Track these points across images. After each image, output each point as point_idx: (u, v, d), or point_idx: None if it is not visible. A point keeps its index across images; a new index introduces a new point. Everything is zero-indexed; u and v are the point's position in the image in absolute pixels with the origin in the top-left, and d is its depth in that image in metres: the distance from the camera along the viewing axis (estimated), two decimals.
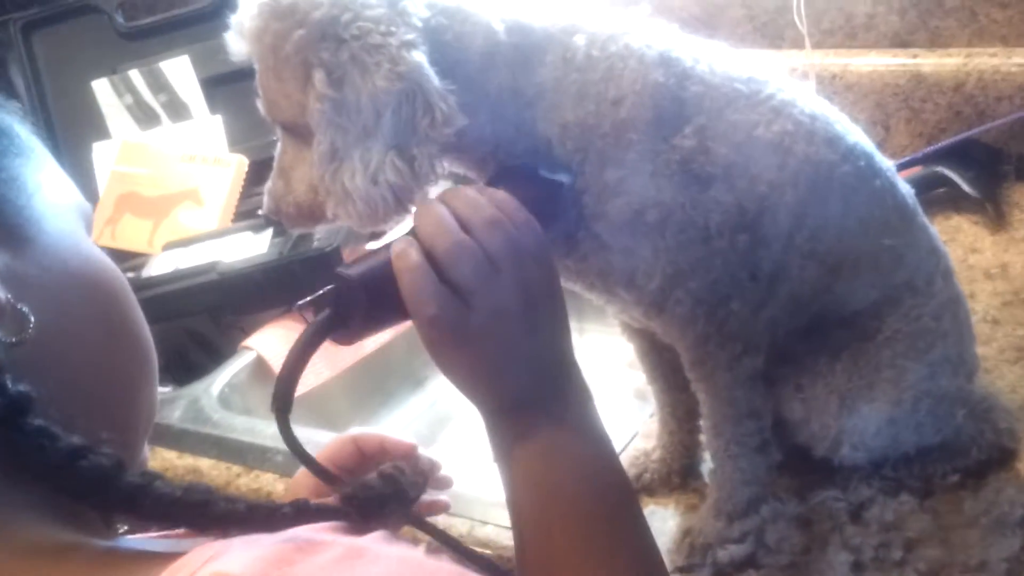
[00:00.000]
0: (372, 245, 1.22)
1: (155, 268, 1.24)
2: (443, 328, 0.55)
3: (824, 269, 0.73)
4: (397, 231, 1.23)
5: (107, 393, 0.49)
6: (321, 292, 0.56)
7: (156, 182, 1.41)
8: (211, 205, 1.37)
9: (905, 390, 0.75)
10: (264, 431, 1.00)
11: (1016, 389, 0.87)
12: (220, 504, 0.45)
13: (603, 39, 0.67)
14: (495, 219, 0.57)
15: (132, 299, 0.52)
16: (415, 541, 0.56)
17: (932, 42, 1.26)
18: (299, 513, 0.47)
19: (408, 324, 0.57)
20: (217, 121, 1.47)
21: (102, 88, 1.50)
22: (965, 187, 1.16)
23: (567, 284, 0.70)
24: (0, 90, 0.49)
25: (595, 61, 0.66)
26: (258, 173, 1.37)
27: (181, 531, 0.51)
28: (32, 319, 0.43)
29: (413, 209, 0.63)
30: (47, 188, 0.48)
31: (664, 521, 0.81)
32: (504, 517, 0.63)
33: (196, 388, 1.12)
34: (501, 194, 0.59)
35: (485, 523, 0.83)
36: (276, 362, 1.13)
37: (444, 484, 0.70)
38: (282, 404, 0.54)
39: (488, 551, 0.81)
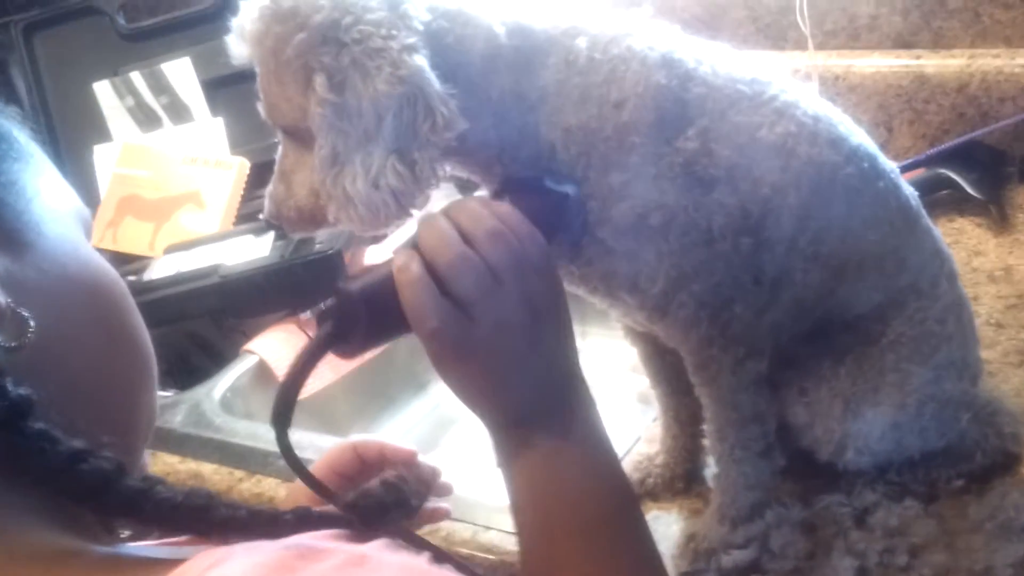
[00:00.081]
0: (373, 248, 1.23)
1: (156, 271, 1.24)
2: (445, 341, 0.55)
3: (828, 272, 0.73)
4: (398, 235, 1.23)
5: (107, 397, 0.49)
6: (322, 307, 0.56)
7: (157, 185, 1.41)
8: (213, 208, 1.37)
9: (909, 394, 0.75)
10: (266, 436, 1.00)
11: (1020, 393, 0.87)
12: (221, 510, 0.45)
13: (605, 41, 0.66)
14: (497, 231, 0.57)
15: (131, 304, 0.52)
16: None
17: (935, 43, 1.25)
18: (301, 520, 0.47)
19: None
20: (218, 123, 1.47)
21: (103, 90, 1.50)
22: (969, 189, 1.16)
23: (570, 289, 0.70)
24: (1, 92, 0.49)
25: (597, 64, 0.66)
26: (260, 176, 1.36)
27: (182, 538, 0.51)
28: (32, 323, 0.43)
29: (414, 213, 0.63)
30: (46, 193, 0.48)
31: (668, 526, 0.81)
32: (507, 522, 0.63)
33: (198, 392, 1.11)
34: (504, 207, 0.59)
35: (488, 528, 0.83)
36: (278, 366, 1.13)
37: (444, 491, 0.70)
38: (281, 419, 0.53)
39: (491, 556, 0.81)
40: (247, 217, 1.35)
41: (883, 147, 0.77)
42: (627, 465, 0.85)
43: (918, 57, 1.24)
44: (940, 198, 1.17)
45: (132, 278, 1.24)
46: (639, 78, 0.66)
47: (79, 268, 0.48)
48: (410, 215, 0.64)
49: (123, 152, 1.46)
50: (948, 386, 0.76)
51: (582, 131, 0.66)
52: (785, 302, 0.73)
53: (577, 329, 0.61)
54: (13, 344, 0.42)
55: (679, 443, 0.85)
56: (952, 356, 0.76)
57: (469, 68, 0.64)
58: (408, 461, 0.67)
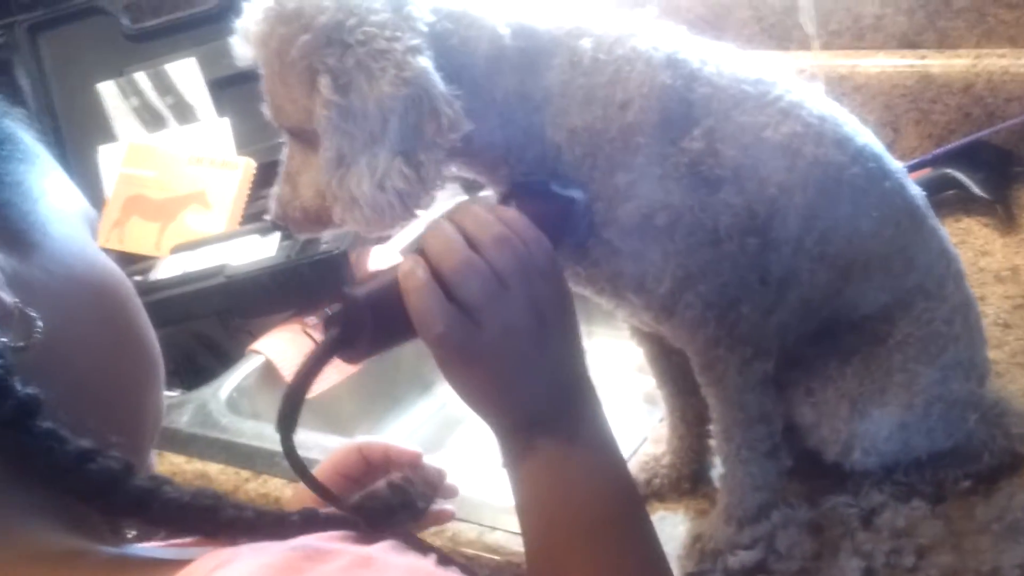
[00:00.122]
0: (378, 248, 1.23)
1: (162, 271, 1.24)
2: (451, 346, 0.55)
3: (834, 272, 0.72)
4: (403, 235, 1.23)
5: (114, 397, 0.49)
6: (329, 312, 0.56)
7: (163, 185, 1.41)
8: (219, 208, 1.37)
9: (916, 395, 0.74)
10: (272, 436, 1.00)
11: None
12: (228, 510, 0.45)
13: (610, 42, 0.66)
14: (503, 237, 0.57)
15: (138, 304, 0.52)
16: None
17: (940, 43, 1.25)
18: (307, 521, 0.47)
19: None
20: (224, 123, 1.47)
21: (108, 90, 1.51)
22: (975, 189, 1.15)
23: (576, 289, 0.70)
24: (6, 93, 0.49)
25: (602, 64, 0.66)
26: (266, 175, 1.37)
27: (188, 540, 0.51)
28: (39, 323, 0.44)
29: (420, 214, 0.63)
30: (52, 194, 0.48)
31: (674, 526, 0.81)
32: (513, 522, 0.63)
33: (204, 392, 1.11)
34: (511, 212, 0.59)
35: (494, 528, 0.83)
36: (284, 366, 1.13)
37: (450, 493, 0.70)
38: (287, 423, 0.53)
39: (497, 556, 0.81)
40: (253, 217, 1.35)
41: (889, 147, 0.77)
42: (633, 465, 0.85)
43: (923, 57, 1.24)
44: (946, 198, 1.17)
45: (138, 278, 1.24)
46: (644, 79, 0.66)
47: (86, 268, 0.48)
48: (415, 216, 0.64)
49: (129, 152, 1.46)
50: (955, 386, 0.76)
51: (587, 132, 0.66)
52: (792, 302, 0.72)
53: (583, 329, 0.61)
54: (20, 344, 0.43)
55: (685, 443, 0.85)
56: (959, 356, 0.76)
57: (473, 69, 0.64)
58: (413, 463, 0.67)
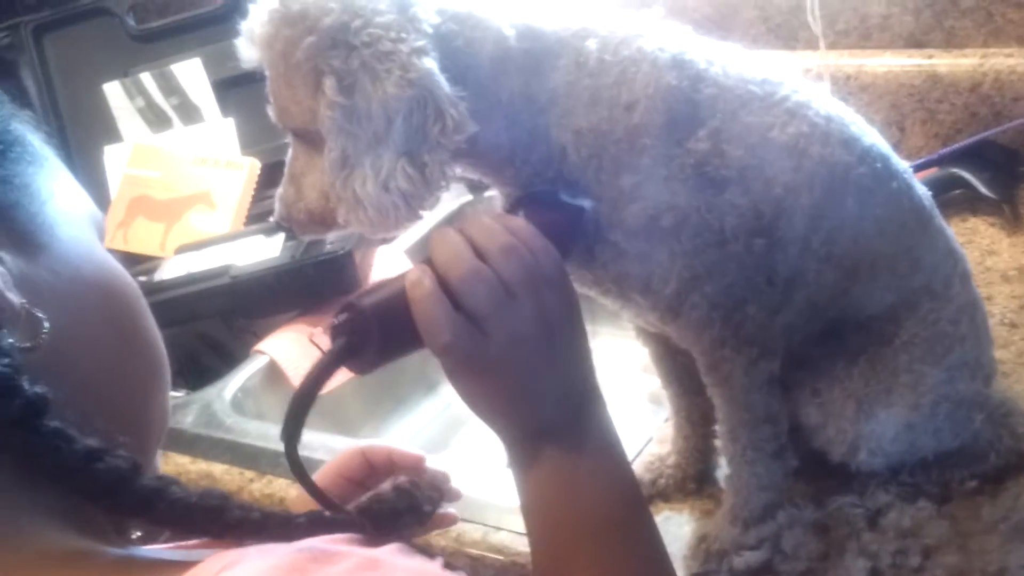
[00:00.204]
0: (383, 248, 1.23)
1: (167, 272, 1.24)
2: (458, 356, 0.55)
3: (841, 273, 0.72)
4: (408, 236, 1.23)
5: (120, 398, 0.49)
6: (335, 322, 0.56)
7: (168, 185, 1.42)
8: (223, 208, 1.37)
9: (923, 395, 0.74)
10: (277, 436, 0.99)
11: None
12: (234, 511, 0.45)
13: (615, 43, 0.66)
14: (510, 246, 0.57)
15: (144, 305, 0.52)
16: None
17: (947, 42, 1.25)
18: (314, 523, 0.48)
19: None
20: (229, 124, 1.47)
21: (113, 91, 1.51)
22: (981, 189, 1.15)
23: (581, 290, 0.70)
24: (11, 93, 0.50)
25: (607, 65, 0.66)
26: (270, 176, 1.37)
27: (193, 542, 0.51)
28: (46, 324, 0.44)
29: (424, 215, 0.63)
30: (60, 196, 0.49)
31: (679, 527, 0.81)
32: (518, 523, 0.63)
33: (209, 393, 1.11)
34: (518, 221, 0.59)
35: (499, 529, 0.82)
36: (289, 366, 1.13)
37: (452, 496, 0.70)
38: (291, 433, 0.53)
39: (502, 557, 0.81)
40: (258, 217, 1.35)
41: (895, 147, 0.77)
42: (639, 466, 0.85)
43: (930, 56, 1.23)
44: (953, 197, 1.16)
45: (143, 278, 1.24)
46: (650, 79, 0.66)
47: (93, 270, 0.49)
48: (420, 217, 0.63)
49: (133, 153, 1.46)
50: (961, 387, 0.76)
51: (593, 133, 0.66)
52: (798, 303, 0.72)
53: (588, 329, 0.61)
54: (28, 345, 0.43)
55: (691, 444, 0.85)
56: (966, 356, 0.76)
57: (479, 71, 0.64)
58: (416, 466, 0.67)
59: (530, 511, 0.58)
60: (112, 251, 0.52)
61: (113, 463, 0.42)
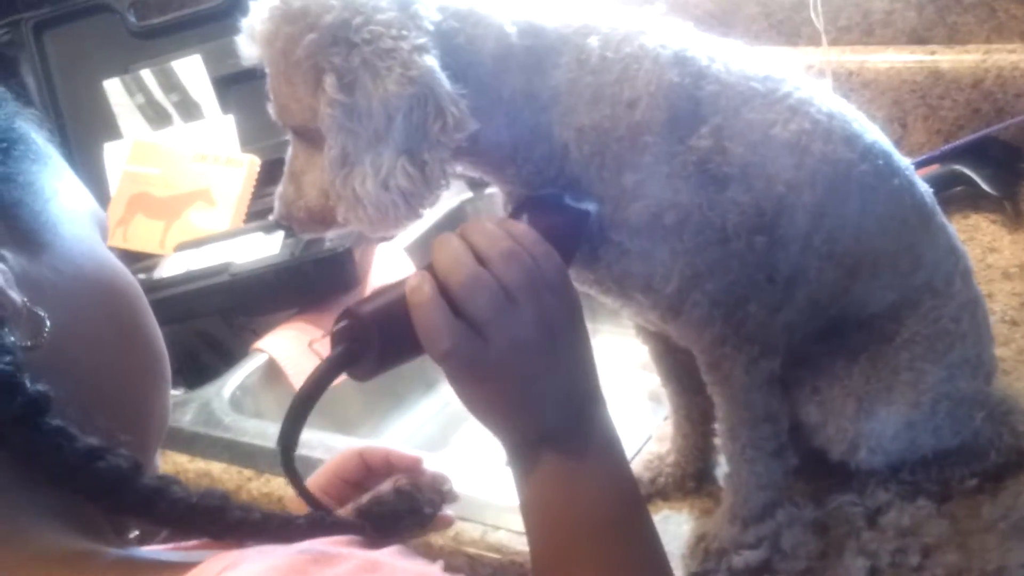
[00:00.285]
0: (383, 246, 1.23)
1: (167, 269, 1.24)
2: (459, 362, 0.55)
3: (842, 271, 0.72)
4: (408, 234, 1.22)
5: (121, 396, 0.49)
6: (334, 329, 0.56)
7: (168, 182, 1.41)
8: (223, 205, 1.37)
9: (923, 393, 0.74)
10: (275, 435, 0.99)
11: None
12: (235, 512, 0.45)
13: (617, 40, 0.66)
14: (512, 251, 0.56)
15: (145, 305, 0.52)
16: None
17: (950, 38, 1.24)
18: (314, 525, 0.47)
19: None
20: (229, 121, 1.47)
21: (114, 88, 1.50)
22: (983, 185, 1.15)
23: (582, 289, 0.70)
24: (12, 90, 0.50)
25: (609, 63, 0.65)
26: (270, 173, 1.37)
27: (192, 543, 0.51)
28: (48, 323, 0.44)
29: (424, 213, 0.63)
30: (63, 194, 0.49)
31: (678, 525, 0.81)
32: (516, 522, 0.63)
33: (208, 391, 1.11)
34: (520, 226, 0.59)
35: (497, 528, 0.82)
36: (288, 365, 1.13)
37: (449, 498, 0.70)
38: (288, 441, 0.53)
39: (500, 556, 0.81)
40: (257, 215, 1.35)
41: (897, 143, 0.77)
42: (638, 464, 0.85)
43: (933, 53, 1.23)
44: (954, 194, 1.16)
45: (142, 276, 1.24)
46: (652, 77, 0.65)
47: (95, 268, 0.49)
48: (420, 216, 0.63)
49: (133, 150, 1.46)
50: (962, 384, 0.76)
51: (595, 131, 0.66)
52: (799, 301, 0.72)
53: (588, 327, 0.61)
54: (29, 343, 0.43)
55: (690, 442, 0.85)
56: (966, 354, 0.76)
57: (480, 68, 0.64)
58: (414, 467, 0.67)
59: (529, 511, 0.58)
60: (111, 249, 0.52)
61: (114, 462, 0.42)
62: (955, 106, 1.22)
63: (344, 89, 0.60)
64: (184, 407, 1.08)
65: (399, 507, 0.53)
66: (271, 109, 0.66)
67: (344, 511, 0.60)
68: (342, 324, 0.56)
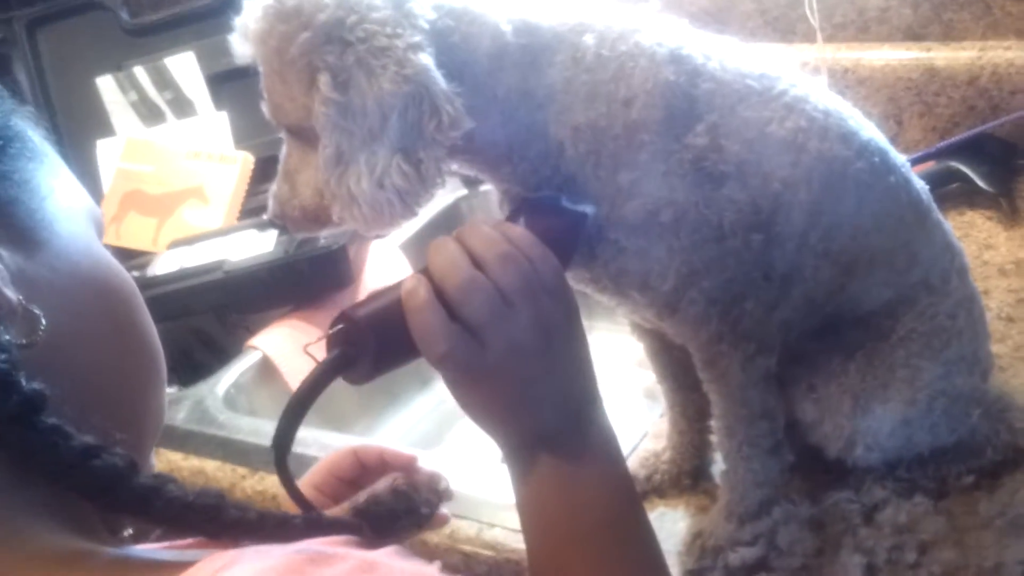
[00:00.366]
0: (377, 243, 1.22)
1: (160, 267, 1.24)
2: (455, 366, 0.55)
3: (838, 268, 0.72)
4: (403, 232, 1.22)
5: (117, 394, 0.49)
6: (330, 332, 0.56)
7: (161, 179, 1.41)
8: (216, 203, 1.37)
9: (920, 390, 0.74)
10: (270, 433, 0.98)
11: None
12: (231, 511, 0.45)
13: (613, 38, 0.66)
14: (508, 254, 0.56)
15: (141, 303, 0.52)
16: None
17: (946, 35, 1.24)
18: (311, 525, 0.47)
19: None
20: (223, 118, 1.46)
21: (107, 85, 1.50)
22: (979, 182, 1.15)
23: (578, 287, 0.70)
24: (5, 87, 0.49)
25: (605, 61, 0.65)
26: (264, 170, 1.36)
27: (187, 541, 0.51)
28: (43, 321, 0.44)
29: (419, 212, 0.63)
30: (59, 192, 0.49)
31: (674, 523, 0.81)
32: (512, 519, 0.63)
33: (201, 389, 1.11)
34: (517, 229, 0.59)
35: (493, 525, 0.82)
36: (282, 362, 1.12)
37: (445, 496, 0.70)
38: (282, 444, 0.53)
39: (495, 553, 0.81)
40: (251, 212, 1.35)
41: (893, 140, 0.77)
42: (633, 461, 0.85)
43: (928, 50, 1.23)
44: (950, 191, 1.16)
45: (135, 273, 1.23)
46: (647, 75, 0.65)
47: (91, 266, 0.48)
48: (415, 215, 0.63)
49: (126, 147, 1.45)
50: (959, 381, 0.76)
51: (591, 129, 0.65)
52: (795, 298, 0.72)
53: (584, 325, 0.61)
54: (25, 341, 0.43)
55: (686, 439, 0.85)
56: (963, 351, 0.76)
57: (475, 66, 0.64)
58: (408, 466, 0.67)
59: (526, 511, 0.58)
60: (105, 246, 0.51)
61: (110, 460, 0.42)
62: (951, 103, 1.22)
63: (338, 88, 0.60)
64: (178, 405, 1.08)
65: (396, 507, 0.53)
66: (265, 108, 0.66)
67: (340, 510, 0.60)
68: (338, 328, 0.56)
